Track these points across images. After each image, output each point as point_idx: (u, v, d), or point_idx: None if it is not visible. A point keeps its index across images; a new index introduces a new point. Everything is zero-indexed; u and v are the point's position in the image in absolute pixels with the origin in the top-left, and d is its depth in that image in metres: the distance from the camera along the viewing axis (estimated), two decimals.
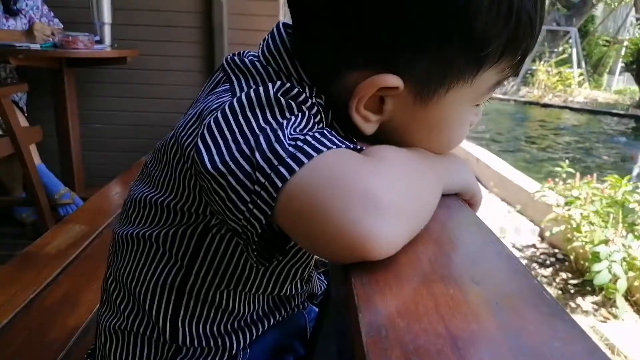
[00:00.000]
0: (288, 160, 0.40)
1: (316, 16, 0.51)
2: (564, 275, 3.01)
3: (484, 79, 0.51)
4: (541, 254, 3.32)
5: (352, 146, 0.44)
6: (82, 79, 2.94)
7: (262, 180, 0.41)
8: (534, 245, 3.44)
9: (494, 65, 0.50)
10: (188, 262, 0.57)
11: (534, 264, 3.15)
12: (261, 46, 0.56)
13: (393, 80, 0.49)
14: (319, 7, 0.50)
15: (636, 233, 2.88)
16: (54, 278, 1.19)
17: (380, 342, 0.30)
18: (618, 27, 15.38)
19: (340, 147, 0.43)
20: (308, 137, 0.42)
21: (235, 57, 0.56)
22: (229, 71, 0.55)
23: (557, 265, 3.15)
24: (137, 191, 0.62)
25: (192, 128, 0.51)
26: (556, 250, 3.33)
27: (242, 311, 0.63)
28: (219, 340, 0.62)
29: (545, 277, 2.99)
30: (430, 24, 0.46)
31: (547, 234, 3.35)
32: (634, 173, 3.77)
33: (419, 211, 0.44)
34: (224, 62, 0.56)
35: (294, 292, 0.67)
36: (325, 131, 0.45)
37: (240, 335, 0.64)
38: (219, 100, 0.50)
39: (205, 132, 0.46)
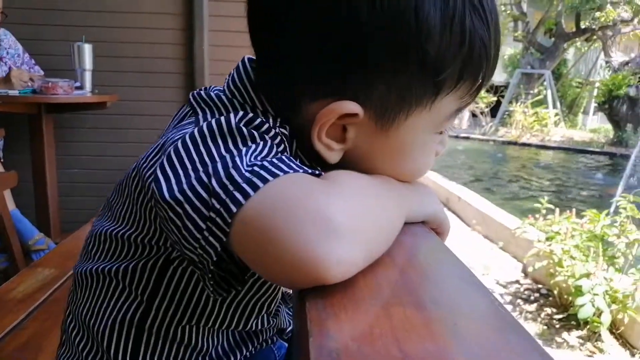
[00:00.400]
0: (244, 185, 0.40)
1: (275, 50, 0.52)
2: (548, 310, 2.99)
3: (443, 105, 0.52)
4: (525, 289, 3.30)
5: (310, 171, 0.44)
6: (60, 124, 2.93)
7: (217, 206, 0.40)
8: (517, 282, 3.43)
9: (452, 91, 0.51)
10: (148, 296, 0.56)
11: (519, 300, 3.13)
12: (227, 80, 0.57)
13: (351, 106, 0.49)
14: (279, 41, 0.51)
15: (617, 266, 2.90)
16: (18, 323, 1.14)
17: None
18: (589, 70, 16.00)
19: (298, 171, 0.43)
20: (265, 163, 0.42)
21: (202, 92, 0.56)
22: (195, 105, 0.55)
23: (542, 301, 3.13)
24: (98, 226, 0.61)
25: (154, 159, 0.51)
26: (540, 286, 3.32)
27: (205, 347, 0.61)
28: None
29: (530, 312, 2.97)
30: (384, 50, 0.47)
31: (530, 269, 3.35)
32: (612, 208, 3.82)
33: (376, 234, 0.43)
34: (190, 97, 0.56)
35: (260, 327, 0.65)
36: (283, 157, 0.45)
37: None
38: (182, 131, 0.50)
39: (165, 161, 0.45)
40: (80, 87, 2.70)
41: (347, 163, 0.54)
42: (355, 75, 0.49)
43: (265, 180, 0.40)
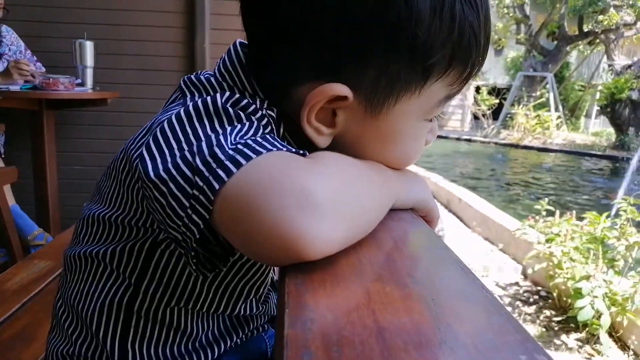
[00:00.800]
0: (227, 162, 0.40)
1: (267, 33, 0.52)
2: (547, 312, 2.99)
3: (432, 91, 0.52)
4: (524, 291, 3.30)
5: (294, 150, 0.44)
6: (61, 120, 2.94)
7: (201, 184, 0.40)
8: (517, 283, 3.43)
9: (442, 77, 0.51)
10: (136, 279, 0.56)
11: (518, 302, 3.12)
12: (217, 64, 0.57)
13: (341, 89, 0.49)
14: (270, 24, 0.51)
15: (616, 269, 2.89)
16: (12, 313, 1.14)
17: (302, 334, 0.28)
18: (592, 73, 15.98)
19: (282, 150, 0.43)
20: (249, 141, 0.42)
21: (192, 76, 0.56)
22: (185, 88, 0.55)
23: (541, 303, 3.12)
24: (87, 209, 0.61)
25: (142, 141, 0.51)
26: (539, 288, 3.31)
27: (195, 331, 0.61)
28: None
29: (529, 314, 2.96)
30: (374, 33, 0.47)
31: (530, 271, 3.34)
32: (613, 211, 3.81)
33: (358, 213, 0.43)
34: (181, 81, 0.57)
35: (249, 312, 0.65)
36: (268, 136, 0.45)
37: (195, 357, 0.61)
38: (169, 112, 0.50)
39: (151, 140, 0.45)
40: (81, 84, 2.71)
41: (336, 148, 0.54)
42: (346, 59, 0.49)
43: (248, 158, 0.40)
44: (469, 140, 13.04)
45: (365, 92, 0.50)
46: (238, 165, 0.40)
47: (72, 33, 2.81)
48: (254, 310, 0.66)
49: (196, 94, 0.54)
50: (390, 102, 0.51)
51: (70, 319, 0.62)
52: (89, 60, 2.73)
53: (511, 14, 14.48)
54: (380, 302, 0.33)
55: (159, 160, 0.43)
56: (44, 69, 2.88)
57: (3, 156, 2.72)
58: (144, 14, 3.02)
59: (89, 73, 2.76)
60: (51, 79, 2.47)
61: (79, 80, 2.70)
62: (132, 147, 0.52)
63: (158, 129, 0.46)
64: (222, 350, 0.64)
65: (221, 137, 0.43)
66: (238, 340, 0.66)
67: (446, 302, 0.34)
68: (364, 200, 0.45)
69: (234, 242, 0.41)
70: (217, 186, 0.39)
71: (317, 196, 0.38)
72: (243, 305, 0.64)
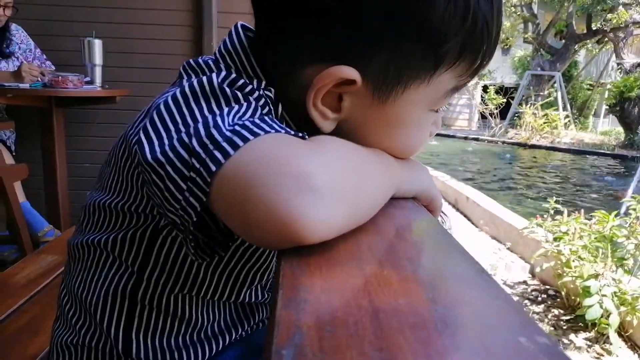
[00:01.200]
0: (224, 144, 0.39)
1: (277, 12, 0.52)
2: (555, 311, 2.96)
3: (441, 81, 0.51)
4: (532, 290, 3.27)
5: (293, 132, 0.43)
6: (71, 119, 2.95)
7: (198, 166, 0.40)
8: (525, 282, 3.40)
9: (452, 67, 0.50)
10: (139, 267, 0.56)
11: (526, 301, 3.10)
12: (218, 46, 0.57)
13: (350, 72, 0.48)
14: (281, 3, 0.51)
15: (626, 268, 2.86)
16: (18, 307, 1.15)
17: (295, 312, 0.28)
18: (600, 72, 15.84)
19: (280, 132, 0.42)
20: (247, 122, 0.42)
21: (191, 60, 0.56)
22: (184, 73, 0.55)
23: (549, 302, 3.10)
24: (89, 197, 0.61)
25: (140, 125, 0.51)
26: (547, 287, 3.29)
27: (200, 321, 0.60)
28: (176, 354, 0.59)
29: (537, 313, 2.93)
30: (387, 16, 0.46)
31: (538, 270, 3.32)
32: (622, 209, 3.77)
33: (358, 198, 0.43)
34: (181, 67, 0.56)
35: (254, 299, 0.65)
36: (266, 117, 0.44)
37: (199, 348, 0.61)
38: (166, 94, 0.50)
39: (148, 123, 0.45)
40: (90, 82, 2.72)
41: (339, 134, 0.53)
42: (356, 41, 0.48)
43: (245, 140, 0.39)
44: (476, 140, 12.98)
45: (374, 77, 0.49)
46: (235, 146, 0.39)
47: (81, 31, 2.83)
48: (260, 298, 0.66)
49: (192, 75, 0.53)
50: (398, 90, 0.50)
51: (74, 309, 0.62)
52: (98, 58, 2.75)
53: (519, 13, 14.39)
54: (377, 285, 0.33)
55: (156, 143, 0.43)
56: (53, 67, 2.90)
57: (14, 153, 2.74)
58: (152, 12, 3.03)
59: (98, 71, 2.77)
60: (60, 77, 2.49)
61: (88, 78, 2.72)
62: (130, 132, 0.52)
63: (155, 112, 0.45)
64: (226, 342, 0.63)
65: (218, 118, 0.42)
66: (243, 333, 0.66)
67: (445, 286, 0.34)
68: (365, 185, 0.45)
69: (231, 225, 0.41)
70: (213, 168, 0.39)
71: (315, 179, 0.37)
72: (248, 292, 0.63)
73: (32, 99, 2.53)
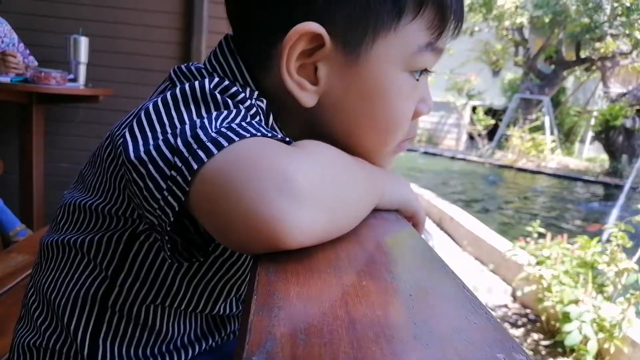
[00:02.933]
0: (208, 144, 0.38)
1: (244, 6, 0.53)
2: (535, 335, 2.96)
3: (409, 33, 0.51)
4: (513, 314, 3.27)
5: (279, 137, 0.42)
6: (51, 116, 2.90)
7: (179, 164, 0.39)
8: (506, 305, 3.40)
9: (417, 17, 0.50)
10: (113, 271, 0.54)
11: (506, 324, 3.10)
12: (207, 56, 0.56)
13: (314, 26, 0.48)
14: None
15: (606, 294, 2.88)
16: None
17: (268, 319, 0.26)
18: (587, 99, 16.13)
19: (266, 135, 0.41)
20: (234, 125, 0.41)
21: (182, 66, 0.55)
22: (174, 78, 0.54)
23: (529, 326, 3.10)
24: (68, 197, 0.59)
25: (127, 125, 0.50)
26: (528, 311, 3.29)
27: (170, 333, 0.58)
28: None
29: (517, 337, 2.93)
30: None
31: (519, 293, 3.32)
32: (604, 236, 3.81)
33: (340, 205, 0.41)
34: (171, 72, 0.55)
35: (228, 311, 0.63)
36: (254, 122, 0.43)
37: (168, 358, 0.59)
38: (156, 97, 0.49)
39: (135, 123, 0.44)
40: (74, 80, 2.68)
41: (324, 115, 0.53)
42: None
43: (231, 141, 0.38)
44: (463, 159, 13.09)
45: (339, 32, 0.49)
46: (219, 147, 0.38)
47: (66, 28, 2.78)
48: (234, 310, 0.64)
49: (184, 81, 0.52)
50: (367, 42, 0.50)
51: (40, 309, 0.59)
52: (83, 56, 2.70)
53: (510, 37, 14.63)
54: (355, 295, 0.31)
55: (140, 142, 0.42)
56: (36, 63, 2.84)
57: None
58: (140, 13, 3.00)
59: (82, 69, 2.72)
60: (43, 73, 2.44)
61: (71, 76, 2.67)
62: (117, 132, 0.52)
63: (143, 112, 0.45)
64: (195, 352, 0.61)
65: (206, 121, 0.41)
66: (213, 344, 0.64)
67: (424, 299, 0.32)
68: (348, 192, 0.44)
69: (209, 227, 0.40)
70: (195, 166, 0.38)
71: (297, 183, 0.36)
72: (223, 305, 0.62)
73: (12, 94, 2.47)
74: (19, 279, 1.24)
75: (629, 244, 2.96)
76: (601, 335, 2.57)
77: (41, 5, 2.94)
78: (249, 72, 0.53)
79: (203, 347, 0.62)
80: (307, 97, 0.51)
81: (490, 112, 15.32)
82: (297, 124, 0.55)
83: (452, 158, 13.33)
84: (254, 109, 0.47)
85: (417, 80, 0.55)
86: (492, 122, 14.65)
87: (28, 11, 2.93)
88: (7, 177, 2.56)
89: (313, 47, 0.49)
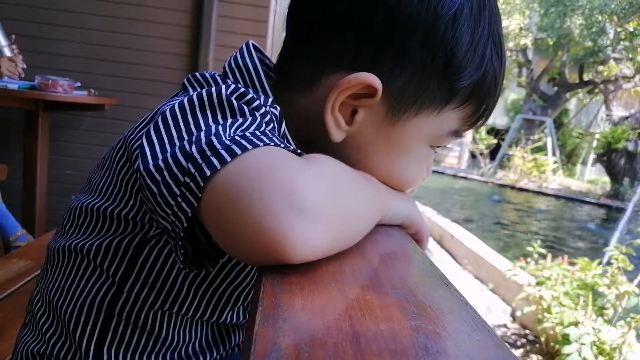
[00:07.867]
0: (222, 151, 0.39)
1: (318, 22, 0.54)
2: (534, 357, 2.93)
3: (448, 117, 0.55)
4: (512, 334, 3.25)
5: (291, 148, 0.43)
6: (56, 123, 2.92)
7: (193, 170, 0.39)
8: (505, 325, 3.37)
9: (460, 107, 0.54)
10: (120, 278, 0.54)
11: (505, 344, 3.07)
12: (227, 60, 0.57)
13: (376, 81, 0.50)
14: (324, 15, 0.53)
15: (606, 317, 2.85)
16: None
17: (273, 330, 0.27)
18: (590, 121, 16.18)
19: (279, 146, 0.41)
20: (247, 134, 0.41)
21: (197, 74, 0.56)
22: (188, 85, 0.55)
23: (528, 347, 3.07)
24: (75, 201, 0.59)
25: (142, 131, 0.50)
26: (527, 331, 3.26)
27: (176, 341, 0.58)
28: None
29: None
30: (419, 41, 0.50)
31: (518, 313, 3.29)
32: (605, 258, 3.79)
33: (346, 221, 0.42)
34: (185, 80, 0.56)
35: (235, 319, 0.63)
36: (267, 130, 0.44)
37: None
38: (172, 101, 0.49)
39: (152, 129, 0.45)
40: (80, 87, 2.70)
41: (344, 149, 0.55)
42: (386, 55, 0.51)
43: (244, 149, 0.39)
44: (465, 178, 13.09)
45: (393, 93, 0.52)
46: (233, 154, 0.38)
47: (69, 36, 2.82)
48: (240, 319, 0.64)
49: (198, 88, 0.53)
50: (411, 113, 0.53)
51: (46, 316, 0.59)
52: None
53: (514, 58, 14.72)
54: (359, 309, 0.31)
55: (158, 149, 0.43)
56: (24, 66, 2.85)
57: None
58: (148, 24, 3.04)
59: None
60: (50, 80, 2.47)
61: (78, 84, 2.69)
62: (132, 137, 0.52)
63: (160, 118, 0.45)
64: None
65: (220, 128, 0.42)
66: (217, 357, 0.63)
67: (428, 315, 0.33)
68: (354, 207, 0.44)
69: (216, 236, 0.40)
70: (208, 173, 0.38)
71: (304, 196, 0.37)
72: (230, 313, 0.61)
73: (19, 101, 2.49)
74: (19, 284, 1.24)
75: (630, 267, 2.94)
76: (601, 358, 2.54)
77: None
78: (267, 79, 0.55)
79: (208, 359, 0.62)
80: (338, 134, 0.54)
81: (493, 131, 15.37)
82: (309, 134, 0.56)
83: (454, 176, 13.33)
84: (268, 117, 0.48)
85: (435, 152, 0.60)
86: (495, 141, 14.69)
87: (25, 18, 2.96)
88: (11, 183, 2.56)
89: (363, 93, 0.52)
